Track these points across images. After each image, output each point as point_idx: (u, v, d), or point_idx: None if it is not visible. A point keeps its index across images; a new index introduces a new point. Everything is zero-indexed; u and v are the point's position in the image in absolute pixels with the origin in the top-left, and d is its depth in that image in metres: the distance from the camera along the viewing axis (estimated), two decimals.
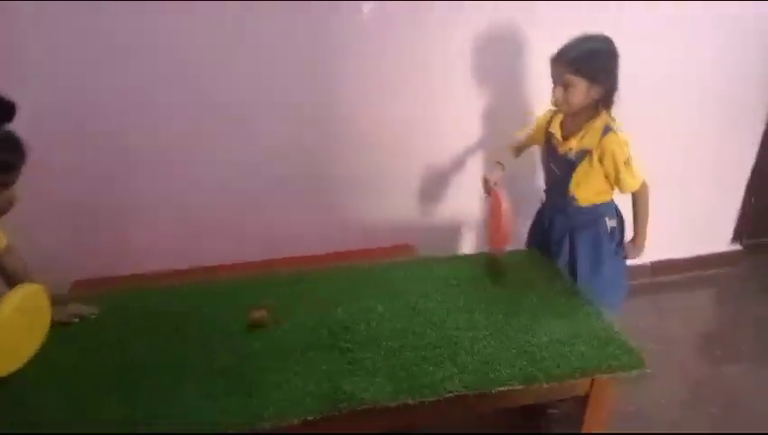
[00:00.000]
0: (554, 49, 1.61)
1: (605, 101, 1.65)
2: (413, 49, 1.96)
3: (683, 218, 1.75)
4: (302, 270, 1.80)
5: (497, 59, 2.06)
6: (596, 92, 1.61)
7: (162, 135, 1.89)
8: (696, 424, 1.91)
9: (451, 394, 1.29)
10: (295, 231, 2.15)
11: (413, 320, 1.55)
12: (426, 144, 2.14)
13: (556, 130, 1.74)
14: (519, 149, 1.95)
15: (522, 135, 1.93)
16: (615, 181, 1.69)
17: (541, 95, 1.76)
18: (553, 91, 1.64)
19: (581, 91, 1.60)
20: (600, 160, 1.66)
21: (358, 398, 1.27)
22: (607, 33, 1.62)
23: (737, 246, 2.81)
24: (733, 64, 2.28)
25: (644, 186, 1.71)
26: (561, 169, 1.75)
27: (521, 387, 1.33)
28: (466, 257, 1.90)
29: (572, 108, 1.64)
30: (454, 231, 2.34)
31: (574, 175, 1.71)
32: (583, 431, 1.51)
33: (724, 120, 2.41)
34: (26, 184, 1.70)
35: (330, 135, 2.03)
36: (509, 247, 1.77)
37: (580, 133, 1.67)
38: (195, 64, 1.81)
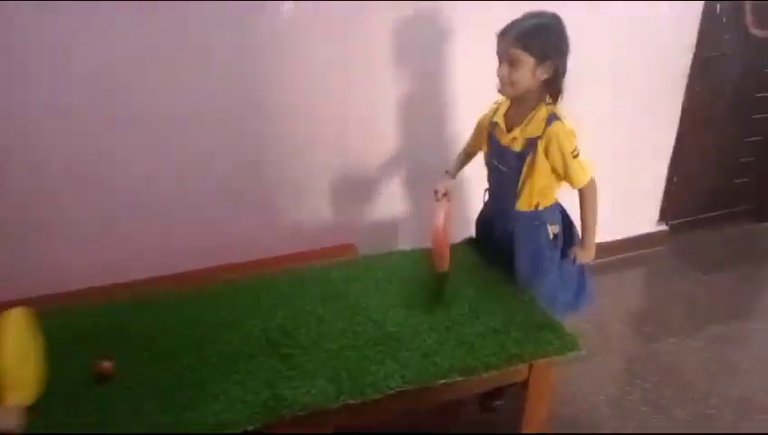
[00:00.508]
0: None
1: (552, 85, 1.55)
2: (343, 48, 1.95)
3: (610, 202, 1.80)
4: (242, 278, 1.76)
5: (429, 55, 2.08)
6: (544, 72, 1.50)
7: (85, 146, 1.79)
8: (632, 400, 2.00)
9: (392, 391, 1.30)
10: (233, 238, 2.09)
11: (354, 319, 1.54)
12: (360, 143, 2.14)
13: (500, 119, 1.63)
14: (464, 160, 1.84)
15: (466, 144, 1.83)
16: (563, 174, 1.57)
17: (480, 93, 1.68)
18: (498, 70, 1.54)
19: (528, 68, 1.49)
20: (546, 152, 1.55)
21: (299, 402, 1.26)
22: None
23: (663, 227, 2.96)
24: (651, 52, 2.40)
25: (592, 182, 1.59)
26: (505, 163, 1.63)
27: (461, 378, 1.35)
28: (405, 253, 1.90)
29: (518, 89, 1.53)
30: (393, 228, 2.34)
31: (522, 169, 1.59)
32: (527, 416, 1.55)
33: (643, 105, 2.53)
34: None
35: (261, 139, 1.99)
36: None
37: (524, 122, 1.57)
38: (110, 71, 1.73)
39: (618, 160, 2.54)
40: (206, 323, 1.55)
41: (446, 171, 1.82)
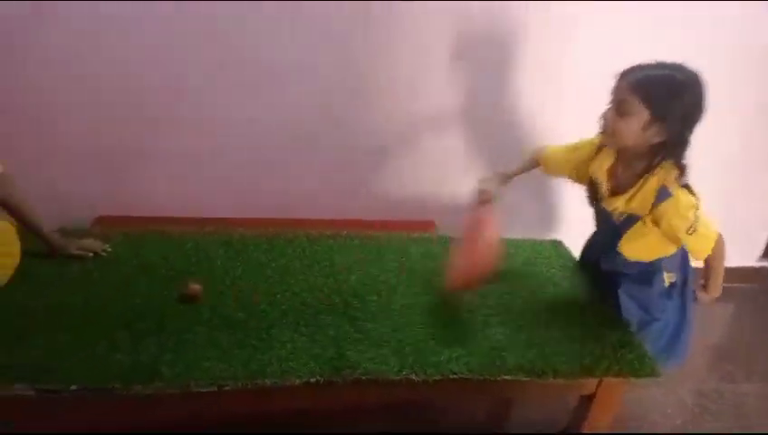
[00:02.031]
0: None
1: (669, 153, 1.27)
2: (460, 22, 1.89)
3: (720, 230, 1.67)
4: (321, 233, 1.79)
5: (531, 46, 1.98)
6: (657, 133, 1.24)
7: (188, 87, 1.86)
8: None
9: (455, 376, 1.28)
10: (314, 194, 2.13)
11: (425, 297, 1.53)
12: (459, 122, 2.08)
13: (602, 174, 1.38)
14: (530, 167, 1.63)
15: (543, 153, 1.59)
16: (678, 244, 1.39)
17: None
18: (604, 112, 1.30)
19: (638, 122, 1.23)
20: (656, 224, 1.34)
21: (362, 367, 1.27)
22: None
23: (765, 263, 2.72)
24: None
25: (719, 242, 1.35)
26: (606, 222, 1.43)
27: (526, 379, 1.31)
28: None
29: (619, 142, 1.30)
30: None
31: (624, 235, 1.41)
32: (586, 431, 1.49)
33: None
34: (56, 123, 1.72)
35: (360, 104, 1.98)
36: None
37: (630, 192, 1.32)
38: (218, 22, 1.76)
39: (734, 186, 2.34)
40: (280, 271, 1.59)
41: (502, 172, 1.58)
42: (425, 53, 1.92)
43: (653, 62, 1.26)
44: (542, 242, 1.87)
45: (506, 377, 1.30)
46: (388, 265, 1.67)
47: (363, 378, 1.25)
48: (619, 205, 1.35)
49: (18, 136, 1.83)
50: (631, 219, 1.37)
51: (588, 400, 1.46)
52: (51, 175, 1.92)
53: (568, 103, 2.07)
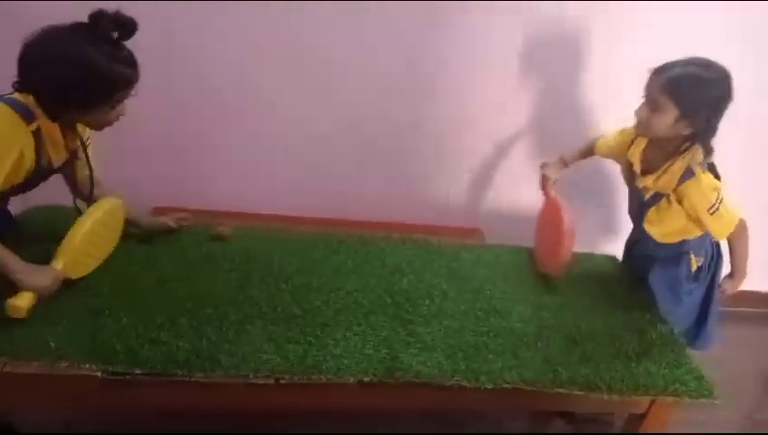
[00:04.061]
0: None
1: (697, 140, 1.39)
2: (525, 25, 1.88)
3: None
4: (373, 234, 1.81)
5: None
6: (687, 126, 1.37)
7: (254, 82, 1.90)
8: None
9: (508, 385, 1.28)
10: (367, 195, 2.15)
11: (477, 304, 1.53)
12: (516, 130, 2.07)
13: (635, 158, 1.52)
14: (586, 154, 1.76)
15: (597, 141, 1.73)
16: (702, 227, 1.49)
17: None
18: (639, 108, 1.42)
19: (669, 119, 1.35)
20: (680, 203, 1.46)
21: (414, 369, 1.28)
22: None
23: None
24: None
25: (739, 226, 1.46)
26: (637, 200, 1.57)
27: (580, 393, 1.30)
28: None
29: (651, 134, 1.44)
30: (525, 223, 2.27)
31: (647, 213, 1.54)
32: None
33: None
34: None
35: (417, 107, 2.00)
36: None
37: (657, 172, 1.46)
38: (297, 15, 1.80)
39: None
40: (334, 269, 1.61)
41: (561, 157, 1.73)
42: (483, 57, 1.92)
43: (684, 58, 1.35)
44: (597, 256, 1.84)
45: (559, 390, 1.29)
46: (440, 270, 1.67)
47: (416, 381, 1.26)
48: (648, 183, 1.48)
49: None
50: (657, 197, 1.49)
51: (638, 419, 1.44)
52: (113, 163, 1.99)
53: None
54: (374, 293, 1.53)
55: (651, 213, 1.53)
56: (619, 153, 1.62)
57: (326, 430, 1.64)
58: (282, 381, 1.23)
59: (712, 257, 1.61)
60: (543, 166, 1.77)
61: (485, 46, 1.89)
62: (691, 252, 1.56)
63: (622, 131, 1.62)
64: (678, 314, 1.60)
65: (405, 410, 1.39)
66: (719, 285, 1.63)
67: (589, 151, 1.75)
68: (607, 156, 1.70)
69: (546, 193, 1.73)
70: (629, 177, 1.59)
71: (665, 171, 1.44)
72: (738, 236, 1.48)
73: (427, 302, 1.52)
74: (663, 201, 1.48)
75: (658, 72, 1.36)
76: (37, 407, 1.53)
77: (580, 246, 1.88)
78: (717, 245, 1.61)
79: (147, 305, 1.37)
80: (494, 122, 2.05)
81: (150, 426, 1.58)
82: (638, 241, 1.66)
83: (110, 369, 1.20)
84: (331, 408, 1.44)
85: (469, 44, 1.88)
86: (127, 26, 1.21)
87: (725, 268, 1.64)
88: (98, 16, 1.18)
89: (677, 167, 1.42)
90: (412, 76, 1.93)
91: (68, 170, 1.45)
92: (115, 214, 1.50)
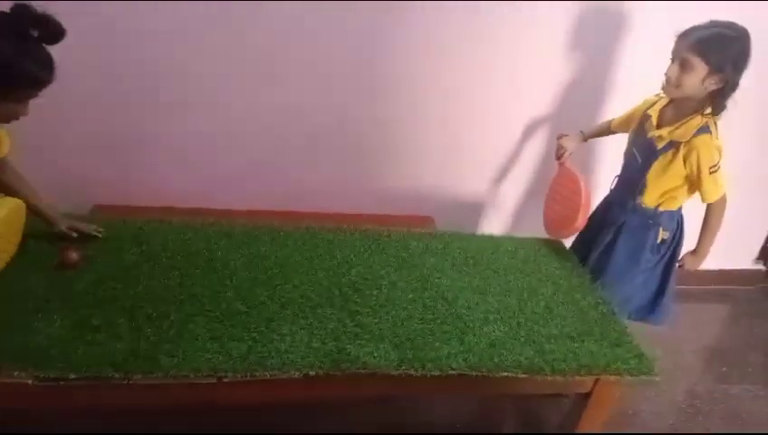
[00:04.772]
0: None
1: (717, 98, 1.51)
2: (463, 23, 1.88)
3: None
4: (321, 226, 1.79)
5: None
6: (713, 83, 1.48)
7: (194, 75, 1.84)
8: None
9: (454, 372, 1.29)
10: (315, 186, 2.12)
11: (425, 293, 1.54)
12: (464, 119, 2.08)
13: (654, 113, 1.62)
14: (604, 131, 1.87)
15: (614, 119, 1.84)
16: (697, 186, 1.58)
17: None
18: (668, 69, 1.52)
19: (699, 76, 1.47)
20: (685, 160, 1.55)
21: (361, 361, 1.27)
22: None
23: (760, 266, 2.75)
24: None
25: (723, 199, 1.59)
26: (643, 155, 1.64)
27: (524, 376, 1.32)
28: (485, 238, 1.87)
29: (682, 92, 1.52)
30: (475, 210, 2.30)
31: (655, 164, 1.61)
32: (580, 430, 1.50)
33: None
34: (60, 108, 1.71)
35: (367, 97, 1.98)
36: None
37: (675, 125, 1.56)
38: (239, 5, 1.75)
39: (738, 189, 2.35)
40: (280, 263, 1.58)
41: (581, 131, 1.84)
42: (431, 48, 1.91)
43: (706, 22, 1.49)
44: (542, 241, 1.88)
45: (504, 374, 1.31)
46: (389, 259, 1.67)
47: (362, 372, 1.26)
48: (664, 133, 1.57)
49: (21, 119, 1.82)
50: (668, 147, 1.57)
51: (584, 398, 1.47)
52: (50, 160, 1.90)
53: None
54: (322, 285, 1.52)
55: (656, 166, 1.60)
56: (633, 117, 1.72)
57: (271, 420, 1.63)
58: (224, 380, 1.20)
59: (674, 235, 1.71)
60: (561, 137, 1.85)
61: (437, 33, 1.88)
62: (660, 225, 1.67)
63: (635, 106, 1.74)
64: (637, 288, 1.72)
65: (351, 399, 1.38)
66: (679, 260, 1.74)
67: (605, 130, 1.87)
68: (620, 126, 1.80)
69: (562, 164, 1.83)
70: (640, 133, 1.67)
71: (683, 124, 1.54)
72: (717, 208, 1.60)
73: (375, 292, 1.51)
74: (670, 152, 1.57)
75: (686, 35, 1.49)
76: None
77: (528, 231, 1.92)
78: (681, 224, 1.72)
79: (82, 307, 1.31)
80: (445, 109, 2.05)
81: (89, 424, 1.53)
82: (614, 205, 1.76)
83: (42, 375, 1.14)
84: (274, 403, 1.42)
85: (420, 31, 1.87)
86: (51, 30, 1.18)
87: (685, 248, 1.74)
88: (21, 11, 1.15)
89: (695, 122, 1.53)
90: (360, 65, 1.90)
91: None
92: (19, 213, 1.45)
